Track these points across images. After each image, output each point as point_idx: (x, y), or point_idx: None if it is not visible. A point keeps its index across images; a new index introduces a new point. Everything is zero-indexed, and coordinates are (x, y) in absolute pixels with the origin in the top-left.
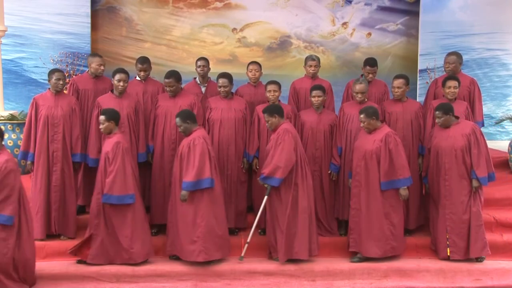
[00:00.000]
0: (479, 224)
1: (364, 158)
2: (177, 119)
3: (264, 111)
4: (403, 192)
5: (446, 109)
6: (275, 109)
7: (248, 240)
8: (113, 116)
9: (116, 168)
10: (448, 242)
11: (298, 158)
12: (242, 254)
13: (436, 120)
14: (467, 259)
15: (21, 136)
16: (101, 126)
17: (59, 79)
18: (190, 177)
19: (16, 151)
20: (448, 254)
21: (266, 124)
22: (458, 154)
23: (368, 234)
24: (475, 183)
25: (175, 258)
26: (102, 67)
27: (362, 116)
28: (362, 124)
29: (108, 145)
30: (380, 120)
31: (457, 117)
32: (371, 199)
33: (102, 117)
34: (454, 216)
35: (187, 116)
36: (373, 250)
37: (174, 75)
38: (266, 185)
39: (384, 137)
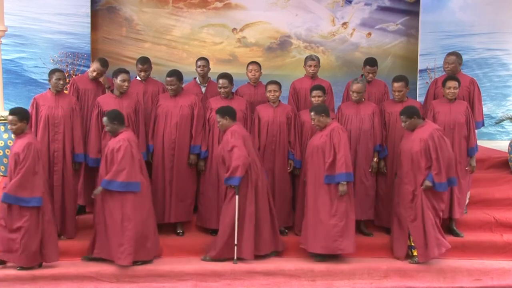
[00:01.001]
0: (432, 224)
1: (311, 154)
2: (105, 119)
3: (216, 112)
4: (341, 187)
5: (410, 113)
6: (227, 111)
7: (235, 242)
8: (24, 116)
9: (23, 170)
10: (413, 244)
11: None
12: (235, 257)
13: (402, 124)
14: (467, 259)
15: None
16: (12, 127)
17: (59, 79)
18: (111, 177)
19: None
20: (415, 254)
21: (218, 125)
22: (414, 158)
23: (314, 231)
24: (426, 183)
25: (95, 259)
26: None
27: (312, 113)
28: (312, 122)
29: (19, 146)
30: (332, 118)
31: (423, 119)
32: (317, 194)
33: (12, 117)
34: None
35: (115, 117)
36: (318, 247)
37: (176, 74)
38: (233, 186)
39: (329, 132)
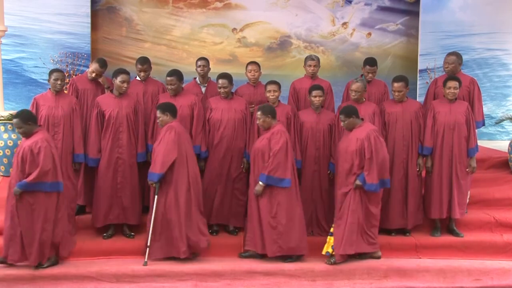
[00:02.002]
0: (353, 224)
1: (254, 157)
2: (16, 121)
3: (157, 108)
4: (257, 187)
5: (348, 112)
6: (167, 107)
7: (148, 244)
8: (29, 117)
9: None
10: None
11: (184, 157)
12: (145, 259)
13: (341, 123)
14: (467, 259)
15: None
16: (18, 130)
17: (56, 79)
18: (34, 177)
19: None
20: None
21: (157, 121)
22: (348, 158)
23: (258, 231)
24: (357, 182)
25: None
26: (125, 85)
27: (259, 113)
28: (258, 121)
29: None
30: (278, 120)
31: (362, 119)
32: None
33: (16, 120)
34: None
35: (29, 117)
36: (261, 247)
37: (176, 74)
38: (153, 184)
39: (270, 135)
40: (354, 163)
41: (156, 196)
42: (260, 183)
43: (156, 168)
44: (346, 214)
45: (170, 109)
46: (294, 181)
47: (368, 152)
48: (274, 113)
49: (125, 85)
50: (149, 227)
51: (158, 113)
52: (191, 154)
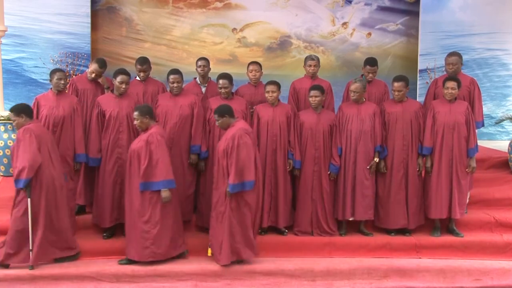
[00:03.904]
0: (230, 229)
1: (130, 158)
2: (10, 114)
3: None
4: (163, 193)
5: (221, 111)
6: (19, 109)
7: (31, 247)
8: (22, 110)
9: None
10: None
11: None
12: (31, 263)
13: (216, 123)
14: (467, 259)
15: None
16: (14, 124)
17: (60, 79)
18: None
19: None
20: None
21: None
22: (220, 157)
23: (129, 235)
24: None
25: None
26: (124, 86)
27: (136, 113)
28: (135, 122)
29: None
30: (156, 121)
31: (236, 118)
32: (133, 199)
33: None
34: None
35: (22, 110)
36: (132, 253)
37: (180, 72)
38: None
39: (147, 137)
40: (223, 164)
41: (28, 200)
42: (165, 189)
43: (23, 175)
44: (221, 218)
45: (24, 111)
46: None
47: (231, 152)
48: (151, 112)
49: (123, 85)
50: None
51: (136, 116)
52: (54, 155)
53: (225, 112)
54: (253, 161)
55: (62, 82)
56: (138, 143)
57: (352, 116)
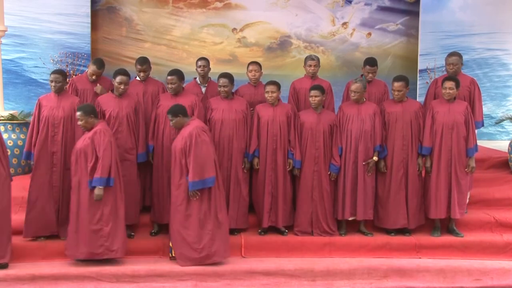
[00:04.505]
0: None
1: (75, 157)
2: None
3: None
4: (97, 191)
5: (174, 111)
6: (90, 110)
7: None
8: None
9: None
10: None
11: None
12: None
13: (170, 124)
14: (467, 259)
15: (21, 136)
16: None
17: (51, 81)
18: None
19: (16, 151)
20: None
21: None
22: (177, 156)
23: (78, 236)
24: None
25: None
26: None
27: (79, 113)
28: (79, 123)
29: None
30: (99, 119)
31: (190, 117)
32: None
33: (78, 114)
34: None
35: None
36: (81, 253)
37: (177, 73)
38: None
39: (92, 135)
40: (182, 162)
41: None
42: (100, 187)
43: None
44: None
45: (94, 111)
46: (119, 180)
47: (189, 150)
48: (95, 112)
49: (122, 86)
50: None
51: (79, 115)
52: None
53: (179, 112)
54: (212, 158)
55: (53, 84)
56: (83, 141)
57: (352, 116)
